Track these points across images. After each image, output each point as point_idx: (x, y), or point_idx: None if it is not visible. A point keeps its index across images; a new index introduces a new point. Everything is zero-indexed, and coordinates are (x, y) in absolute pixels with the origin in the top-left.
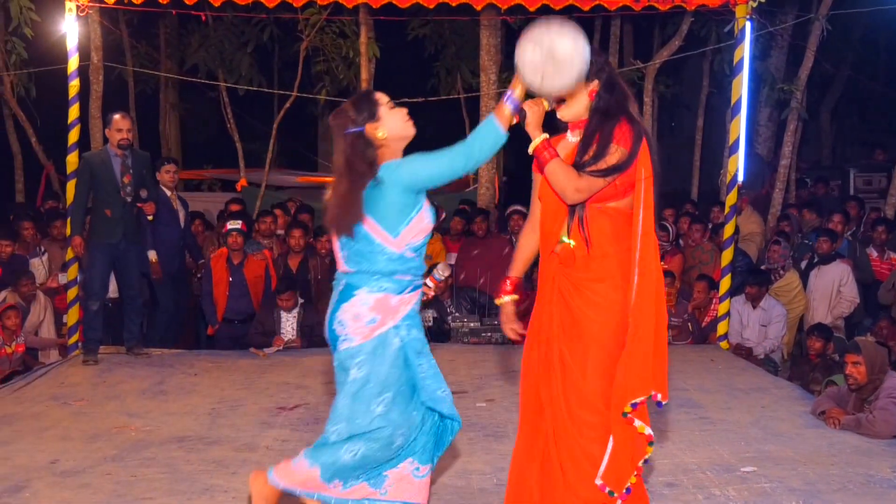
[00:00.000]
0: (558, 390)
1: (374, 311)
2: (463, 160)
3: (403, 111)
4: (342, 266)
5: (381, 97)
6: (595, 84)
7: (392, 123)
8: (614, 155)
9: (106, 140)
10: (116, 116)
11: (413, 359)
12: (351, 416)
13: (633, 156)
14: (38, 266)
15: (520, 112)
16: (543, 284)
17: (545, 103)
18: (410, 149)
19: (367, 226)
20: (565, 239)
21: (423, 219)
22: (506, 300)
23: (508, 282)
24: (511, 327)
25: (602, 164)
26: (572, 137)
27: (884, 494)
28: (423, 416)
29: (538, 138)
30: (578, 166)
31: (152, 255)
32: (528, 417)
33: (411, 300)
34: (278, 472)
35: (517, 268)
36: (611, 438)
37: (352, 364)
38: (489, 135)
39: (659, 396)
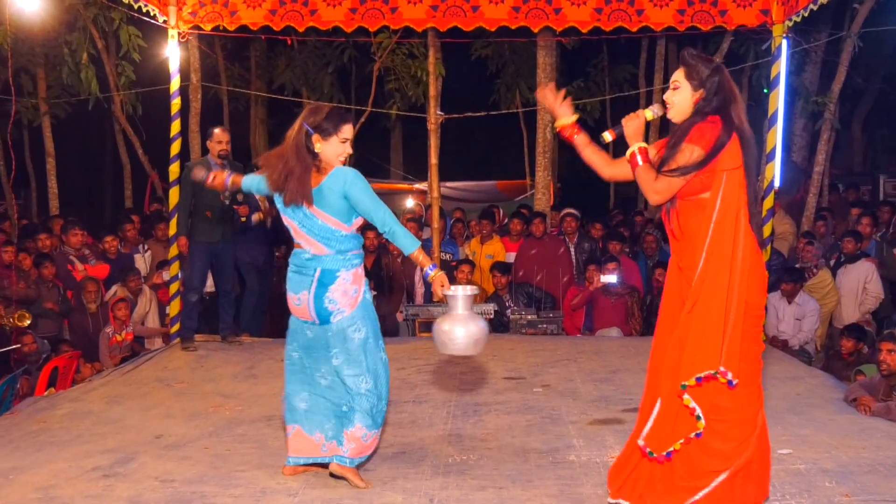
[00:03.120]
0: (672, 364)
1: (354, 283)
2: (384, 218)
3: (342, 149)
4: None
5: (349, 131)
6: (700, 93)
7: (329, 151)
8: (684, 153)
9: (206, 151)
10: (217, 130)
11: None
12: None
13: (713, 154)
14: (140, 262)
15: (617, 127)
16: (667, 280)
17: (647, 114)
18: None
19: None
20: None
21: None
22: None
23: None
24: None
25: (672, 164)
26: None
27: None
28: None
29: (633, 146)
30: (659, 165)
31: (256, 216)
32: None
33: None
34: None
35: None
36: (657, 403)
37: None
38: (406, 243)
39: (729, 375)
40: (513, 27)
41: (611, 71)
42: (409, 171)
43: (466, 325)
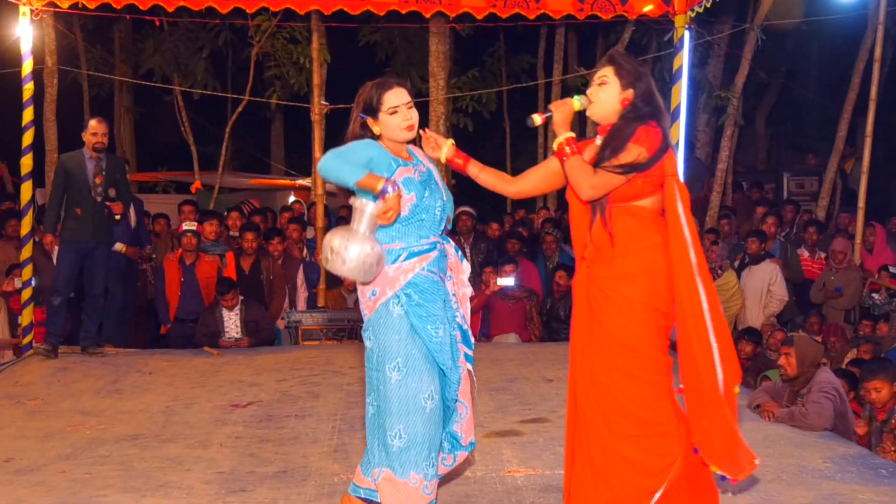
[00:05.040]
0: (591, 393)
1: (373, 284)
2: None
3: (396, 121)
4: None
5: (393, 97)
6: (630, 93)
7: (386, 130)
8: (630, 153)
9: (72, 142)
10: (93, 122)
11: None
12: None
13: (656, 158)
14: None
15: (546, 112)
16: (576, 291)
17: (575, 103)
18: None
19: None
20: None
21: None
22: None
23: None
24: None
25: (615, 161)
26: (599, 141)
27: (815, 484)
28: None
29: (562, 136)
30: (596, 163)
31: (119, 246)
32: (568, 414)
33: (412, 268)
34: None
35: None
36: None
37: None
38: (343, 176)
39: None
40: (403, 12)
41: (508, 61)
42: (291, 166)
43: (363, 245)
